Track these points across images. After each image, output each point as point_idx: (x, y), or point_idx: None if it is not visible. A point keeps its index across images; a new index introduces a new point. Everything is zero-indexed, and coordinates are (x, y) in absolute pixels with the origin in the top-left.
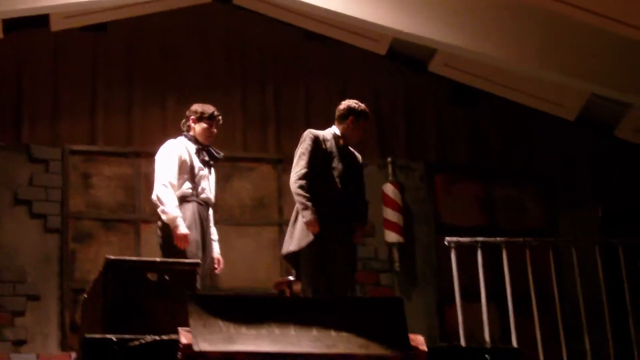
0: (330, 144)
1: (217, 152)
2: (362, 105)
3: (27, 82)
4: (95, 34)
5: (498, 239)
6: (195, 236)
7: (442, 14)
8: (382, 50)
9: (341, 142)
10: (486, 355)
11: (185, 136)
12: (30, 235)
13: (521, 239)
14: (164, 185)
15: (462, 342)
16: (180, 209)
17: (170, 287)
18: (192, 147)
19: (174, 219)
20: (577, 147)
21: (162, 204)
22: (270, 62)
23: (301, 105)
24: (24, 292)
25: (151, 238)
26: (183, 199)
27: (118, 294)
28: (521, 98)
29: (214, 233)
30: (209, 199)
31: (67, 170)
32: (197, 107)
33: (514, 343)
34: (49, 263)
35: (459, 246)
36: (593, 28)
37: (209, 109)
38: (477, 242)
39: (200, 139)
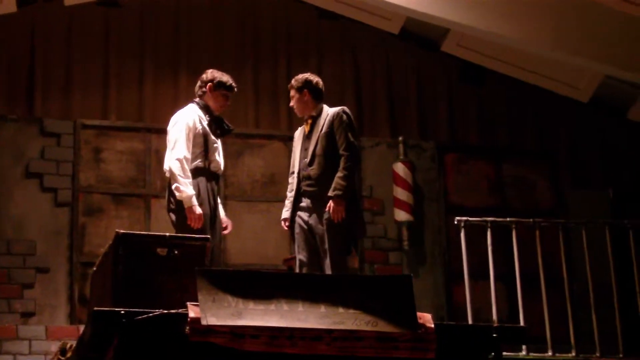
0: (298, 135)
1: (227, 125)
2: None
3: (40, 56)
4: (109, 8)
5: (508, 219)
6: (206, 211)
7: None
8: (395, 29)
9: (306, 129)
10: (493, 334)
11: (197, 104)
12: (41, 208)
13: (531, 220)
14: (179, 160)
15: (470, 321)
16: (193, 183)
17: (180, 262)
18: (204, 118)
19: (189, 198)
20: (589, 128)
21: (176, 180)
22: (282, 40)
23: None
24: (34, 264)
25: (161, 213)
26: (196, 172)
27: (127, 268)
28: (535, 79)
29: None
30: (219, 170)
31: (79, 144)
32: (216, 74)
33: (522, 322)
34: (59, 236)
35: (468, 226)
36: (607, 9)
37: (228, 78)
38: (486, 222)
39: (214, 107)
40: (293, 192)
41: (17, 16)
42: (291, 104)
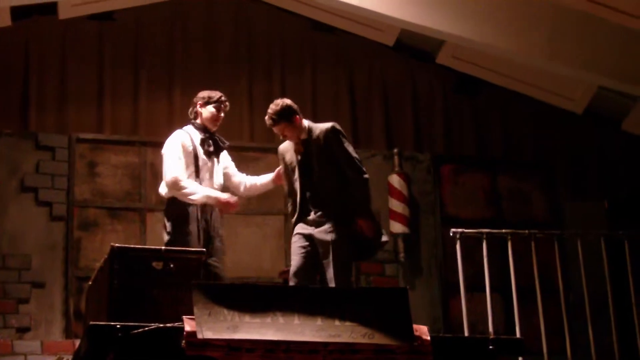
0: (290, 155)
1: (222, 142)
2: (273, 107)
3: (35, 70)
4: (103, 22)
5: (503, 230)
6: (194, 230)
7: (450, 5)
8: (389, 41)
9: (300, 149)
10: (490, 346)
11: (193, 124)
12: (36, 222)
13: (526, 231)
14: (174, 178)
15: (466, 333)
16: (182, 203)
17: (176, 275)
18: (197, 137)
19: (208, 197)
20: (584, 139)
21: (185, 196)
22: (277, 53)
23: (308, 96)
24: (29, 279)
25: (157, 227)
26: None
27: (123, 282)
28: (529, 90)
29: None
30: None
31: (74, 158)
32: (204, 92)
33: (518, 334)
34: (54, 251)
35: (464, 237)
36: (602, 20)
37: (216, 94)
38: (482, 233)
39: (207, 124)
40: (297, 213)
41: (11, 30)
42: (288, 140)
